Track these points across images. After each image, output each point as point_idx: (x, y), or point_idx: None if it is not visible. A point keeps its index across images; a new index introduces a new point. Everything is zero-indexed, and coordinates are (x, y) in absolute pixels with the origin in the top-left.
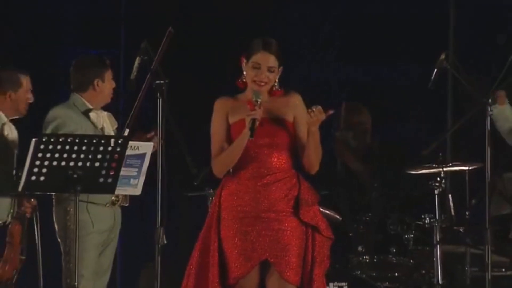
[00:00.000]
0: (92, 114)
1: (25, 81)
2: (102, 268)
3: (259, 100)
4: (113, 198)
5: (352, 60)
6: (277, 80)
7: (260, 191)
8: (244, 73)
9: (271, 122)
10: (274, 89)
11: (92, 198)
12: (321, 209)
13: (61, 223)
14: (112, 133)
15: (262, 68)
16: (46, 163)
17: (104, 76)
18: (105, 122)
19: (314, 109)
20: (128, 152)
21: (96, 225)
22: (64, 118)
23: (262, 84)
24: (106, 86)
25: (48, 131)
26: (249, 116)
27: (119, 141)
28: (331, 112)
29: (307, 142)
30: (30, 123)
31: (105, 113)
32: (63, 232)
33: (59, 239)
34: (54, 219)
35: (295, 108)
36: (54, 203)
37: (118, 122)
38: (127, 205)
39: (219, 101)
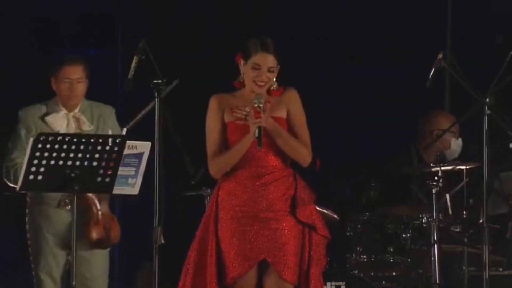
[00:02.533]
0: (48, 118)
1: None
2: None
3: (262, 105)
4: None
5: (352, 60)
6: (274, 79)
7: (258, 191)
8: (242, 73)
9: None
10: (272, 88)
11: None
12: (319, 208)
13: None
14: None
15: (262, 69)
16: (44, 162)
17: (56, 76)
18: (69, 125)
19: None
20: (126, 151)
21: (48, 227)
22: (20, 121)
23: (262, 84)
24: (58, 86)
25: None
26: (255, 124)
27: (117, 141)
28: None
29: None
30: None
31: (72, 113)
32: (28, 236)
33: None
34: None
35: (288, 102)
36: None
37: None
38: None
39: (215, 98)
